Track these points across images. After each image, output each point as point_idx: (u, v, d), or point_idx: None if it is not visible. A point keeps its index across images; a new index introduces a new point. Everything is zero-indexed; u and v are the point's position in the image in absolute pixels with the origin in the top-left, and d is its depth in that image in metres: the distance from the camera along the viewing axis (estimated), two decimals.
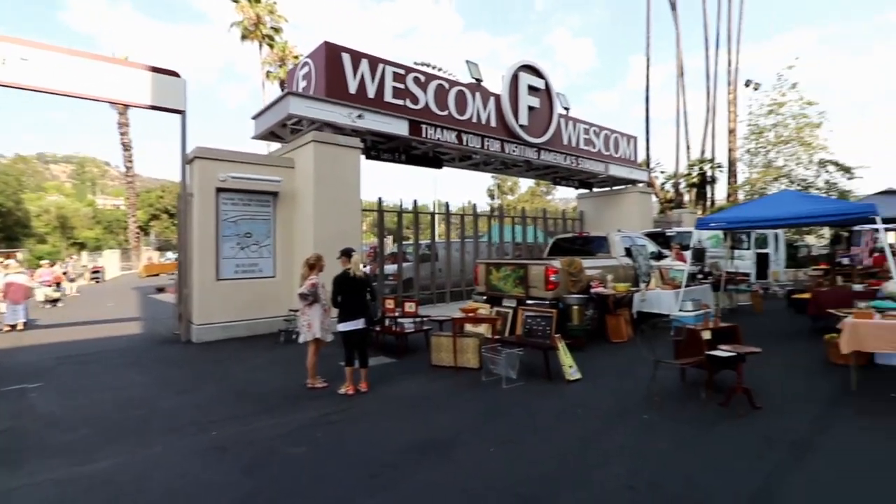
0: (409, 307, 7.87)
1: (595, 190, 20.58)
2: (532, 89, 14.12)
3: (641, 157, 27.98)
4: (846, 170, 21.44)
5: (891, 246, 22.52)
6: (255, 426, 4.61)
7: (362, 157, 11.03)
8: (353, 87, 10.42)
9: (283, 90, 17.28)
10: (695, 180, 25.69)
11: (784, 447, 3.90)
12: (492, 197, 72.68)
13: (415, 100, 11.51)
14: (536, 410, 4.96)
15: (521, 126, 13.89)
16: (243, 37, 30.55)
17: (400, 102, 11.26)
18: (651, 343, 5.54)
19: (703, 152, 26.64)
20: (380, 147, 12.11)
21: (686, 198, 27.15)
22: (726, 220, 8.79)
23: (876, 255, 16.49)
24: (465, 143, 12.54)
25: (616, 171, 18.25)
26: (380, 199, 12.74)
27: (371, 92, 10.82)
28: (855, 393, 5.11)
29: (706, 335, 5.57)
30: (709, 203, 25.73)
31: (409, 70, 11.48)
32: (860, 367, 5.99)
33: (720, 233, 14.89)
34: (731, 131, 24.68)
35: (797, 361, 6.59)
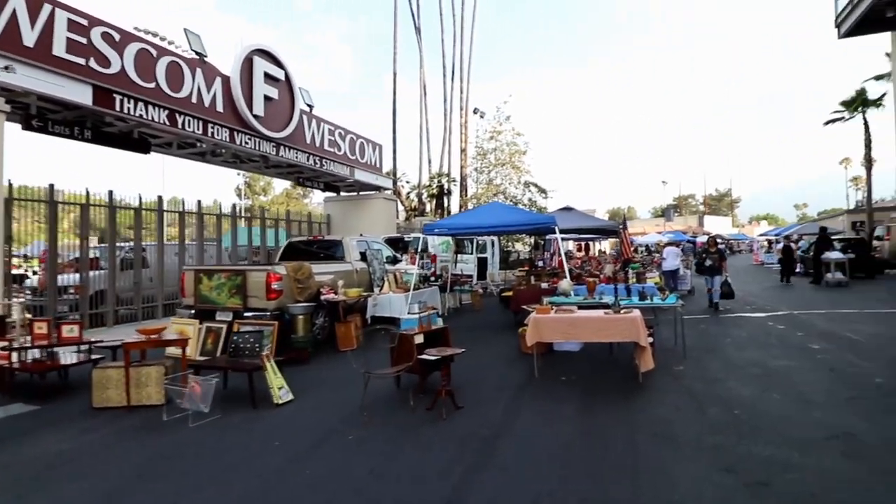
0: (70, 331, 5.81)
1: (343, 194, 20.34)
2: (270, 78, 12.86)
3: (389, 166, 29.33)
4: (542, 190, 26.75)
5: (568, 252, 28.87)
6: None
7: (15, 126, 8.02)
8: None
9: None
10: (434, 191, 28.24)
11: (478, 444, 3.94)
12: (240, 196, 66.27)
13: (104, 61, 8.97)
14: (226, 449, 4.00)
15: (255, 116, 12.45)
16: None
17: (80, 61, 8.59)
18: (367, 352, 5.20)
19: (441, 167, 29.51)
20: (49, 117, 9.06)
21: (428, 207, 29.63)
22: (448, 226, 9.45)
23: (559, 258, 20.83)
24: (181, 125, 10.47)
25: (362, 176, 18.33)
26: (87, 189, 9.61)
27: (30, 38, 7.93)
28: (537, 380, 5.77)
29: (419, 339, 5.54)
30: (445, 213, 28.63)
31: (95, 22, 8.89)
32: (542, 355, 6.98)
33: (449, 239, 16.46)
34: (463, 151, 28.08)
35: (501, 353, 7.29)
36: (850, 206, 41.31)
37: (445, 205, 29.05)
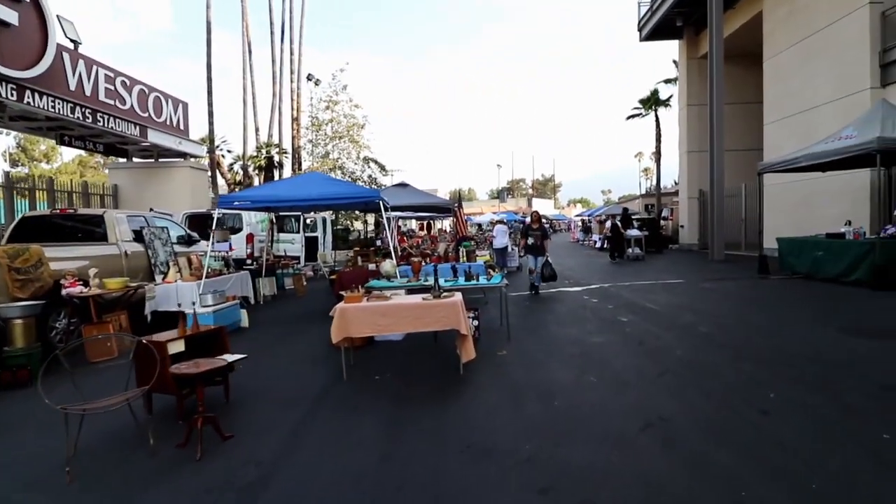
0: None
1: (136, 160, 16.75)
2: None
3: (204, 131, 25.33)
4: (383, 167, 25.76)
5: (411, 230, 28.55)
6: None
7: None
8: None
9: None
10: (262, 163, 25.26)
11: (233, 496, 2.76)
12: (14, 164, 53.00)
13: None
14: None
15: None
16: None
17: None
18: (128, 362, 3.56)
19: (270, 137, 26.55)
20: None
21: (257, 181, 26.46)
22: (251, 198, 7.85)
23: (401, 236, 20.13)
24: None
25: (159, 139, 15.11)
26: None
27: None
28: (344, 383, 4.76)
29: (176, 347, 4.07)
30: None
31: None
32: (359, 348, 6.00)
33: (269, 216, 14.50)
34: (295, 120, 25.53)
35: (308, 350, 6.11)
36: (642, 192, 48.96)
37: (276, 178, 26.25)
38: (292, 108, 25.56)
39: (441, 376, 4.85)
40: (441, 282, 6.34)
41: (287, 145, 26.70)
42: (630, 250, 16.45)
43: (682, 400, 3.89)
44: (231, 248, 11.55)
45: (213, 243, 8.21)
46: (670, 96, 26.81)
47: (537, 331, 6.63)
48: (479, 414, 3.84)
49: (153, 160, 16.78)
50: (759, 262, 11.14)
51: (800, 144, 11.61)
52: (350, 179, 25.14)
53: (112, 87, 13.33)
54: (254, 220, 12.96)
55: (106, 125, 13.07)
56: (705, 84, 16.23)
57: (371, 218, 26.06)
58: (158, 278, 7.83)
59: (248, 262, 12.75)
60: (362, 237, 25.96)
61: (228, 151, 26.64)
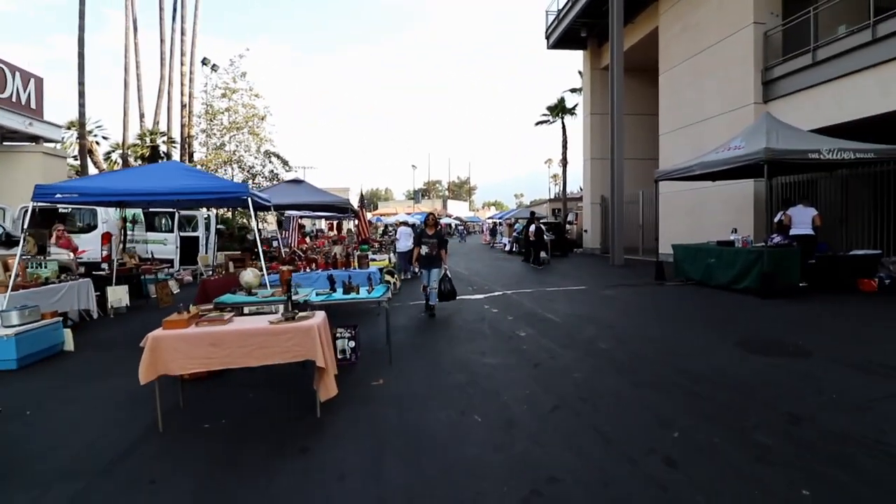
0: None
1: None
2: None
3: (68, 113, 21.79)
4: (285, 162, 23.85)
5: (320, 231, 26.72)
6: None
7: None
8: None
9: None
10: (145, 152, 22.31)
11: None
12: None
13: None
14: None
15: None
16: None
17: None
18: None
19: (157, 123, 23.59)
20: None
21: None
22: (80, 190, 6.27)
23: (297, 237, 18.55)
24: None
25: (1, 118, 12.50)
26: None
27: None
28: (158, 436, 3.59)
29: None
30: None
31: None
32: (204, 379, 4.80)
33: (136, 211, 12.48)
34: (184, 106, 22.86)
35: (132, 384, 4.76)
36: (551, 197, 50.75)
37: None
38: (182, 94, 22.84)
39: (294, 421, 3.84)
40: (312, 295, 5.33)
41: (176, 134, 23.89)
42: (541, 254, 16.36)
43: (577, 449, 3.24)
44: (77, 251, 9.61)
45: (22, 246, 6.46)
46: (576, 105, 27.75)
47: (425, 351, 5.82)
48: (322, 487, 2.89)
49: None
50: (656, 268, 11.31)
51: (692, 154, 12.01)
52: (249, 175, 22.99)
53: None
54: (112, 217, 10.95)
55: None
56: (608, 94, 16.60)
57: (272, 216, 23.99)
58: None
59: (104, 266, 10.75)
60: (265, 237, 23.87)
61: (104, 138, 23.34)
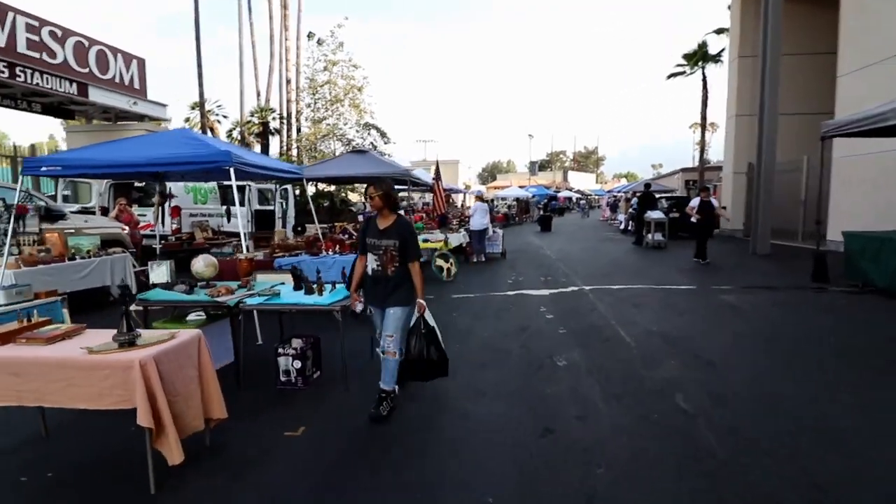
0: None
1: (97, 123, 15.25)
2: None
3: (195, 96, 23.56)
4: (383, 134, 23.29)
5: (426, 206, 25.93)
6: None
7: None
8: None
9: None
10: (256, 129, 23.41)
11: None
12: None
13: None
14: None
15: None
16: None
17: None
18: None
19: (268, 101, 24.58)
20: None
21: (257, 148, 24.71)
22: (63, 162, 5.72)
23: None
24: None
25: (104, 97, 13.37)
26: None
27: None
28: None
29: None
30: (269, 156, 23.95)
31: None
32: None
33: (210, 185, 12.52)
34: (289, 81, 23.36)
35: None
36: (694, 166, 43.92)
37: (271, 147, 24.36)
38: (286, 69, 23.36)
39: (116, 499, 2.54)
40: (252, 300, 4.00)
41: (286, 110, 24.68)
42: (650, 236, 13.35)
43: None
44: (136, 225, 9.64)
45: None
46: (721, 50, 22.46)
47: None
48: None
49: (111, 122, 15.19)
50: (816, 263, 8.00)
51: (888, 99, 8.17)
52: (349, 149, 22.93)
53: (36, 38, 11.57)
54: (182, 190, 10.99)
55: (29, 80, 11.35)
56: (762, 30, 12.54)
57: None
58: None
59: (172, 239, 10.87)
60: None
61: (224, 117, 24.97)
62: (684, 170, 27.97)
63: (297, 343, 3.92)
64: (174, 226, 11.14)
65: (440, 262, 8.65)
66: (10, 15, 11.02)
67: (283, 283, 4.58)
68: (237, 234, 11.83)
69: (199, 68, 21.37)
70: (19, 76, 11.11)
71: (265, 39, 24.10)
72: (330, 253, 6.84)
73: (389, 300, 3.34)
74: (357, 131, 23.19)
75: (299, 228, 9.39)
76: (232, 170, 5.45)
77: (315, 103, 23.34)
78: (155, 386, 2.49)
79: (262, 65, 24.51)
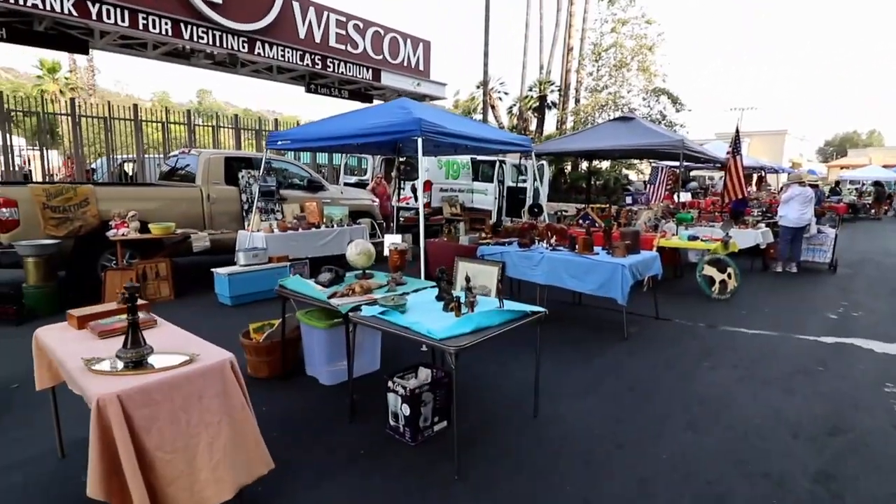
0: None
1: (377, 103, 17.43)
2: None
3: (482, 75, 24.62)
4: (675, 100, 19.59)
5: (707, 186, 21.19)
6: None
7: None
8: None
9: None
10: (534, 104, 23.02)
11: None
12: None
13: None
14: None
15: (209, 2, 10.05)
16: None
17: None
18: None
19: (548, 73, 23.83)
20: None
21: (534, 124, 24.59)
22: (291, 136, 6.15)
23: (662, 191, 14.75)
24: (95, 16, 8.63)
25: (394, 81, 14.99)
26: None
27: None
28: None
29: None
30: (540, 132, 23.25)
31: None
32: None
33: (463, 159, 12.38)
34: (570, 49, 21.88)
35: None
36: None
37: (546, 121, 23.60)
38: (569, 36, 21.91)
39: None
40: (370, 309, 3.10)
41: (570, 80, 23.45)
42: None
43: None
44: (388, 198, 10.14)
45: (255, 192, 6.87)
46: None
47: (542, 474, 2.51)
48: None
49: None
50: None
51: None
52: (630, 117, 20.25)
53: (343, 32, 13.54)
54: (435, 164, 11.22)
55: (336, 70, 13.43)
56: None
57: (642, 165, 20.20)
58: (249, 225, 7.15)
59: (413, 214, 11.27)
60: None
61: (506, 93, 25.47)
62: None
63: (412, 379, 2.80)
64: (425, 200, 11.59)
65: (710, 270, 6.11)
66: (325, 14, 13.08)
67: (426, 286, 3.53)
68: (488, 212, 11.58)
69: (486, 46, 22.15)
70: (329, 66, 13.19)
71: (552, 11, 23.24)
72: (543, 245, 5.41)
73: None
74: (644, 98, 20.24)
75: (535, 210, 8.21)
76: (420, 140, 4.64)
77: (598, 70, 21.36)
78: (118, 436, 1.74)
79: (547, 35, 23.85)
